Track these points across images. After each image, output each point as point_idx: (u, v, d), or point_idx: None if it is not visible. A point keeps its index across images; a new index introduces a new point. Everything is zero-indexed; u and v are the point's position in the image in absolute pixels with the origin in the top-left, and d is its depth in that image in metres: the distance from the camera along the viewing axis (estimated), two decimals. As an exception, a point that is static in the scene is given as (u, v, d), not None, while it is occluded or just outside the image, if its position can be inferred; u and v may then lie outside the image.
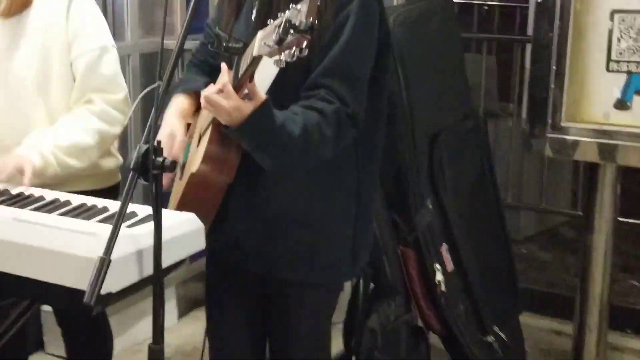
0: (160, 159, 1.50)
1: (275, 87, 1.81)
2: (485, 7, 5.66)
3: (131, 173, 1.50)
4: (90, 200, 1.84)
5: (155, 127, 1.53)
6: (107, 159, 2.33)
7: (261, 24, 1.81)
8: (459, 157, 2.70)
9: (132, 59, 3.41)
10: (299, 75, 1.81)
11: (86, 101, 2.20)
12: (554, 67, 2.60)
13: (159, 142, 1.61)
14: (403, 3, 3.07)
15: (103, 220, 1.69)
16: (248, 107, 1.64)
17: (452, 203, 2.65)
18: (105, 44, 2.21)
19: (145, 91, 1.60)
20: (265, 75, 1.77)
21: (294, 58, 1.45)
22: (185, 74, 2.19)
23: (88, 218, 1.72)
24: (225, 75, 1.68)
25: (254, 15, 1.90)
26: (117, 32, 3.47)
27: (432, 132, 2.63)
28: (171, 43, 3.47)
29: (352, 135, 1.84)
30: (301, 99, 1.80)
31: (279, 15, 1.49)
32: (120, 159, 2.42)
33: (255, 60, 1.54)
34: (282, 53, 1.44)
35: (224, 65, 1.74)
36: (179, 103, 2.06)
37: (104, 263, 1.40)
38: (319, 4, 1.44)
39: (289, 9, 1.45)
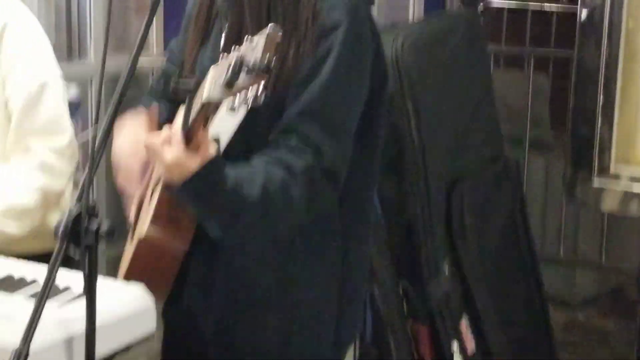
0: (95, 225, 1.50)
1: (244, 131, 1.80)
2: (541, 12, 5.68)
3: (58, 242, 1.51)
4: (21, 269, 1.79)
5: (89, 185, 1.54)
6: (54, 215, 2.29)
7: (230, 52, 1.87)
8: (484, 208, 2.68)
9: (95, 82, 3.43)
10: (273, 117, 1.79)
11: (24, 149, 2.19)
12: (601, 97, 2.60)
13: (93, 205, 1.61)
14: (420, 19, 3.09)
15: (34, 296, 1.63)
16: (193, 163, 1.62)
17: (474, 266, 2.62)
18: (46, 79, 2.20)
19: (84, 136, 1.60)
20: (228, 120, 1.76)
21: (249, 104, 1.43)
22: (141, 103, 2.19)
23: (12, 292, 1.67)
24: (179, 120, 1.66)
25: (222, 43, 1.89)
26: (81, 49, 3.52)
27: (450, 179, 2.60)
28: (147, 63, 3.53)
29: (330, 196, 1.82)
30: (270, 144, 1.78)
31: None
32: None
33: (207, 104, 1.52)
34: (234, 98, 1.44)
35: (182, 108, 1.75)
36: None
37: (20, 356, 1.39)
38: (279, 34, 1.43)
39: (244, 44, 1.44)
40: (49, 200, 2.22)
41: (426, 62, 2.56)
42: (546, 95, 4.89)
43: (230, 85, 1.41)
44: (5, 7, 2.22)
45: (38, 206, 2.19)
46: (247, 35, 1.46)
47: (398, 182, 2.46)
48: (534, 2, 6.37)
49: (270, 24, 1.43)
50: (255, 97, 1.43)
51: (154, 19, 3.61)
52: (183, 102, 1.76)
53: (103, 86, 3.36)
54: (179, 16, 3.58)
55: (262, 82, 1.43)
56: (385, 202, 2.59)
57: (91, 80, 3.42)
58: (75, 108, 3.65)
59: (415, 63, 2.51)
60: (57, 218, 2.27)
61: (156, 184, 1.89)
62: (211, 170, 1.65)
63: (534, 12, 6.39)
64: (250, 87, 1.42)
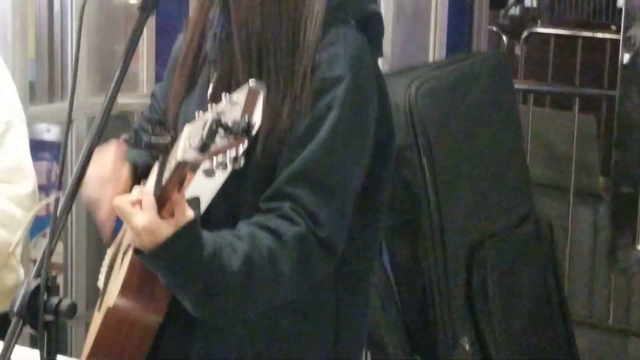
0: (55, 301, 1.51)
1: (229, 195, 1.80)
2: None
3: (14, 318, 1.52)
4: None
5: (49, 258, 1.55)
6: (4, 274, 2.34)
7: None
8: (511, 277, 2.66)
9: (76, 125, 3.45)
10: (262, 181, 1.80)
11: None
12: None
13: (53, 278, 1.61)
14: (440, 61, 3.10)
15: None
16: (166, 230, 1.62)
17: (499, 339, 2.60)
18: (10, 118, 2.24)
19: (39, 206, 1.62)
20: (208, 181, 1.74)
21: (227, 168, 1.44)
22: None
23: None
24: (151, 179, 1.67)
25: (209, 93, 1.91)
26: (63, 89, 3.57)
27: (471, 242, 2.59)
28: (134, 103, 3.57)
29: (325, 269, 1.80)
30: (258, 212, 1.78)
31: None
32: (22, 273, 2.42)
33: (181, 166, 1.54)
34: (211, 161, 1.44)
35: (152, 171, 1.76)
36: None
37: None
38: (261, 91, 1.43)
39: (223, 101, 1.44)
40: (2, 252, 2.24)
41: (444, 111, 2.57)
42: (594, 138, 4.89)
43: (204, 149, 1.41)
44: None
45: None
46: (224, 93, 1.47)
47: (412, 245, 2.46)
48: (584, 30, 6.40)
49: (251, 79, 1.44)
50: (234, 161, 1.43)
51: (144, 54, 3.73)
52: (157, 159, 1.79)
53: (74, 128, 3.49)
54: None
55: (242, 145, 1.44)
56: (397, 269, 2.60)
57: (73, 122, 3.46)
58: (57, 149, 3.71)
59: (431, 112, 2.51)
60: (9, 275, 2.33)
61: (128, 247, 1.88)
62: (185, 237, 1.64)
63: (585, 41, 6.43)
64: (228, 150, 1.43)
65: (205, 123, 1.41)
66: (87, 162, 1.65)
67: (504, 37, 7.02)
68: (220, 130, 1.40)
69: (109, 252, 2.15)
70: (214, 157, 1.44)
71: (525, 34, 6.85)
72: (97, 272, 2.16)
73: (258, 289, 1.74)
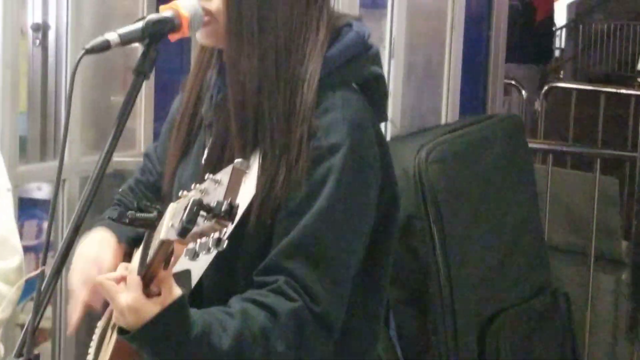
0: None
1: (221, 269, 1.82)
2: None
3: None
4: None
5: (32, 338, 1.56)
6: None
7: (212, 172, 1.89)
8: (525, 349, 2.66)
9: (68, 184, 3.46)
10: (257, 254, 1.80)
11: None
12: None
13: (36, 356, 1.60)
14: (453, 123, 3.11)
15: None
16: (151, 309, 1.62)
17: None
18: None
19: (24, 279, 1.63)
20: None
21: (210, 252, 1.45)
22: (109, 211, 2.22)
23: None
24: (137, 256, 1.68)
25: (204, 159, 1.94)
26: (56, 149, 3.59)
27: (483, 315, 2.60)
28: (131, 161, 3.58)
29: (322, 347, 1.80)
30: (253, 287, 1.78)
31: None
32: (2, 350, 2.40)
33: (165, 245, 1.55)
34: (194, 242, 1.46)
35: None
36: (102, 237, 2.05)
37: None
38: (246, 171, 1.46)
39: (206, 181, 1.46)
40: None
41: (456, 178, 2.59)
42: (617, 201, 4.88)
43: (184, 232, 1.43)
44: None
45: None
46: (207, 174, 1.49)
47: (421, 318, 2.47)
48: (608, 85, 6.43)
49: (237, 160, 1.46)
50: (217, 244, 1.44)
51: (142, 112, 3.76)
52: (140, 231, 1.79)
53: (67, 187, 3.50)
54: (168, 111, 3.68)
55: (225, 228, 1.43)
56: (405, 343, 2.59)
57: (64, 181, 3.47)
58: (49, 207, 3.72)
59: (442, 179, 2.53)
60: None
61: (115, 325, 1.90)
62: (171, 317, 1.65)
63: (608, 97, 6.45)
64: (212, 234, 1.44)
65: (187, 204, 1.43)
66: (75, 232, 1.67)
67: (523, 92, 7.05)
68: (202, 215, 1.42)
69: (100, 325, 2.15)
70: (197, 239, 1.46)
71: (545, 88, 6.87)
72: (87, 338, 2.16)
73: None
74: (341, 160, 1.79)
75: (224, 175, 1.45)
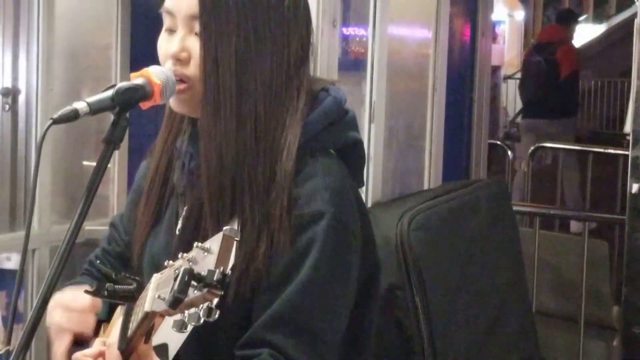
0: None
1: (200, 342, 1.80)
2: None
3: None
4: None
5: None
6: None
7: (187, 244, 1.81)
8: None
9: (38, 254, 3.46)
10: (236, 327, 1.79)
11: None
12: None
13: None
14: (435, 189, 3.11)
15: None
16: None
17: None
18: None
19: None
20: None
21: (200, 322, 1.44)
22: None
23: None
24: (115, 330, 1.67)
25: (178, 229, 1.93)
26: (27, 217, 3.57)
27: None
28: (103, 230, 3.56)
29: None
30: (234, 359, 1.77)
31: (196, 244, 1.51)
32: None
33: (149, 317, 1.55)
34: (183, 314, 1.45)
35: (117, 314, 1.74)
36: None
37: None
38: (237, 238, 1.44)
39: (194, 250, 1.45)
40: None
41: (439, 245, 2.58)
42: (607, 265, 4.88)
43: (176, 303, 1.42)
44: None
45: None
46: (196, 242, 1.47)
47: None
48: (595, 144, 6.47)
49: (226, 227, 1.45)
50: (209, 314, 1.44)
51: (115, 178, 3.75)
52: (120, 303, 1.78)
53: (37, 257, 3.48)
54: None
55: (216, 298, 1.43)
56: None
57: (33, 251, 3.45)
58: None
59: (425, 247, 2.53)
60: None
61: None
62: None
63: (596, 157, 6.48)
64: (200, 305, 1.43)
65: (177, 274, 1.43)
66: (44, 304, 1.65)
67: (509, 152, 7.08)
68: (193, 285, 1.41)
69: None
70: (186, 311, 1.45)
71: (532, 148, 6.91)
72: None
73: None
74: (324, 229, 1.80)
75: (213, 243, 1.44)
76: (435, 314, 2.51)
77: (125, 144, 3.75)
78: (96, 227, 3.58)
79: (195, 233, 1.86)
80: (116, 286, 1.63)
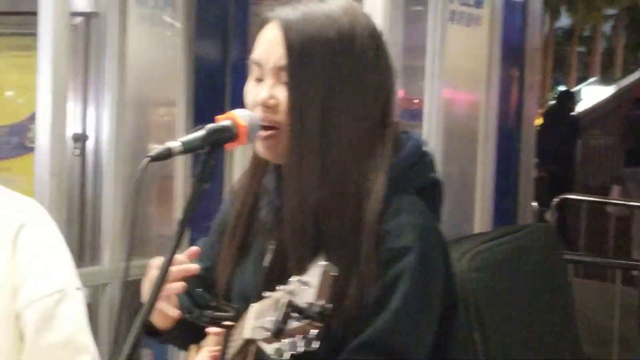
0: None
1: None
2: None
3: None
4: None
5: None
6: None
7: (275, 278, 1.80)
8: None
9: (109, 289, 3.47)
10: (325, 348, 1.67)
11: None
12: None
13: None
14: (489, 233, 3.08)
15: None
16: None
17: None
18: (65, 287, 2.19)
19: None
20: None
21: (301, 350, 1.43)
22: None
23: None
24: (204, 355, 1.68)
25: (266, 262, 1.91)
26: (94, 254, 3.57)
27: None
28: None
29: None
30: None
31: (288, 281, 1.49)
32: None
33: (248, 344, 1.55)
34: (283, 342, 1.44)
35: (211, 336, 1.72)
36: None
37: None
38: (334, 274, 1.44)
39: (293, 282, 1.45)
40: None
41: (496, 285, 2.55)
42: (637, 312, 4.83)
43: (278, 333, 1.41)
44: (22, 206, 2.27)
45: None
46: (294, 276, 1.47)
47: None
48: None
49: (324, 262, 1.45)
50: (309, 344, 1.43)
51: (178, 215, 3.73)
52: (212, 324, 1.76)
53: (107, 291, 3.46)
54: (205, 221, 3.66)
55: (316, 331, 1.42)
56: None
57: (104, 285, 3.45)
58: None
59: (484, 287, 2.50)
60: None
61: None
62: None
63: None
64: (300, 335, 1.43)
65: (279, 305, 1.43)
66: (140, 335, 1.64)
67: (534, 204, 7.02)
68: (294, 316, 1.42)
69: None
70: (286, 340, 1.45)
71: (556, 200, 6.83)
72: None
73: None
74: (412, 263, 1.78)
75: (312, 277, 1.44)
76: (492, 348, 2.47)
77: (187, 189, 3.77)
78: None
79: (283, 267, 1.84)
80: (216, 313, 1.61)
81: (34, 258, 2.19)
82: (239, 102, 3.99)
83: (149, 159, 1.68)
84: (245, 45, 3.86)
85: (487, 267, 2.53)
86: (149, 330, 1.95)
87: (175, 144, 1.70)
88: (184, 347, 2.16)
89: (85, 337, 2.22)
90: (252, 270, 1.97)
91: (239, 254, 2.01)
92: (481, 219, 3.29)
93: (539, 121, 11.41)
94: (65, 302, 2.18)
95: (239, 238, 2.02)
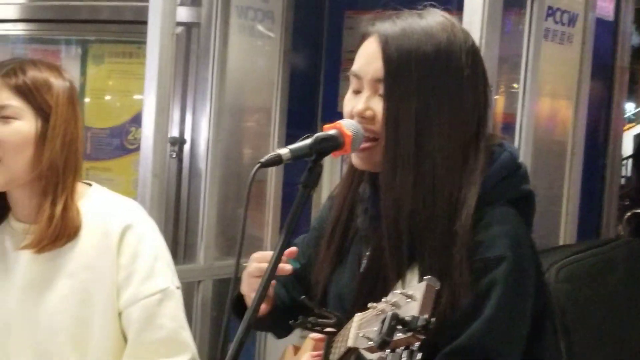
0: None
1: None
2: None
3: None
4: None
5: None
6: None
7: (371, 284, 1.85)
8: None
9: (202, 286, 3.52)
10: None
11: None
12: None
13: None
14: (576, 245, 3.06)
15: None
16: None
17: None
18: (167, 286, 2.22)
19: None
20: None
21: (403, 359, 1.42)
22: None
23: None
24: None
25: (362, 268, 1.93)
26: (187, 253, 3.62)
27: None
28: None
29: None
30: None
31: (391, 293, 1.50)
32: None
33: (351, 352, 1.55)
34: (387, 353, 1.44)
35: (309, 340, 1.73)
36: None
37: None
38: (437, 288, 1.44)
39: (396, 294, 1.45)
40: None
41: (582, 297, 2.53)
42: None
43: (383, 345, 1.41)
44: (127, 208, 2.30)
45: None
46: (398, 289, 1.48)
47: None
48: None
49: (427, 277, 1.45)
50: (411, 356, 1.42)
51: (269, 222, 3.75)
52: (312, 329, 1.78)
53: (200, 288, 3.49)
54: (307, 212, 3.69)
55: (418, 342, 1.41)
56: None
57: (198, 283, 3.49)
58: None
59: (570, 298, 2.48)
60: None
61: None
62: None
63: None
64: (404, 346, 1.42)
65: (384, 317, 1.43)
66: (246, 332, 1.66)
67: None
68: (398, 326, 1.41)
69: None
70: (389, 350, 1.44)
71: (628, 214, 6.67)
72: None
73: None
74: (505, 272, 1.78)
75: (416, 290, 1.43)
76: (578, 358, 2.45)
77: (279, 193, 3.81)
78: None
79: (377, 274, 1.86)
80: (318, 320, 1.62)
81: (138, 259, 2.22)
82: (330, 111, 4.02)
83: (260, 164, 1.70)
84: (339, 56, 3.90)
85: (573, 279, 2.51)
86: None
87: (284, 151, 1.72)
88: (278, 334, 2.20)
89: (186, 334, 2.25)
90: (348, 275, 1.98)
91: (336, 259, 2.03)
92: (566, 232, 3.27)
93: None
94: (166, 301, 2.22)
95: (336, 244, 2.03)
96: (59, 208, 2.18)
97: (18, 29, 4.19)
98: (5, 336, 2.26)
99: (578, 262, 2.58)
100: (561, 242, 3.26)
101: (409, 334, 1.39)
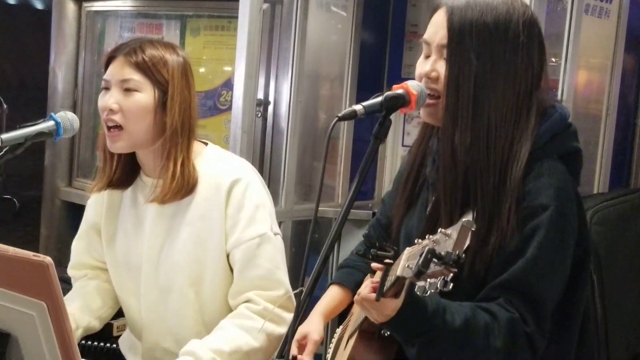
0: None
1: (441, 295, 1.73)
2: None
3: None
4: None
5: (292, 340, 1.57)
6: None
7: (432, 226, 1.88)
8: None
9: (283, 226, 3.57)
10: (470, 285, 1.80)
11: (245, 299, 2.27)
12: None
13: (294, 358, 1.64)
14: (609, 193, 3.05)
15: None
16: (394, 307, 1.65)
17: None
18: (265, 232, 2.26)
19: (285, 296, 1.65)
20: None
21: (437, 289, 1.44)
22: (350, 256, 2.28)
23: None
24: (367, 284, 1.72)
25: (428, 211, 1.96)
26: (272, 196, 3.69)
27: (632, 352, 2.52)
28: (330, 210, 3.67)
29: None
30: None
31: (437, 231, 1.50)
32: None
33: (399, 281, 1.57)
34: (425, 282, 1.46)
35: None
36: (329, 298, 2.14)
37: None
38: (472, 229, 1.43)
39: (439, 233, 1.46)
40: (272, 343, 2.26)
41: (613, 239, 2.54)
42: None
43: (419, 275, 1.43)
44: (236, 164, 2.35)
45: (262, 348, 2.23)
46: (441, 229, 1.48)
47: (580, 350, 2.39)
48: None
49: (465, 219, 1.45)
50: (444, 285, 1.44)
51: (341, 173, 3.78)
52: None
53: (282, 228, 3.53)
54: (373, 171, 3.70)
55: (450, 275, 1.42)
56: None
57: (280, 223, 3.54)
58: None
59: (602, 238, 2.49)
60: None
61: (352, 334, 1.95)
62: (411, 303, 1.66)
63: None
64: (438, 277, 1.44)
65: (423, 252, 1.44)
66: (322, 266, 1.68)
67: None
68: (433, 261, 1.42)
69: (338, 332, 2.22)
70: (427, 280, 1.46)
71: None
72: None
73: (471, 352, 1.72)
74: (548, 218, 1.78)
75: (454, 230, 1.44)
76: (608, 291, 2.47)
77: (350, 146, 3.85)
78: (326, 208, 3.73)
79: (438, 217, 1.88)
80: (378, 252, 1.65)
81: (242, 209, 2.26)
82: (395, 79, 4.02)
83: (337, 118, 1.71)
84: (403, 30, 3.90)
85: (605, 222, 2.52)
86: None
87: (358, 107, 1.73)
88: None
89: (281, 274, 2.30)
90: (417, 217, 2.01)
91: (408, 203, 2.06)
92: (600, 182, 3.26)
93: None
94: (264, 245, 2.27)
95: (409, 190, 2.06)
96: (179, 166, 2.24)
97: (127, 5, 4.27)
98: (138, 275, 2.36)
99: (610, 208, 2.58)
100: (595, 191, 3.26)
101: (442, 266, 1.40)
